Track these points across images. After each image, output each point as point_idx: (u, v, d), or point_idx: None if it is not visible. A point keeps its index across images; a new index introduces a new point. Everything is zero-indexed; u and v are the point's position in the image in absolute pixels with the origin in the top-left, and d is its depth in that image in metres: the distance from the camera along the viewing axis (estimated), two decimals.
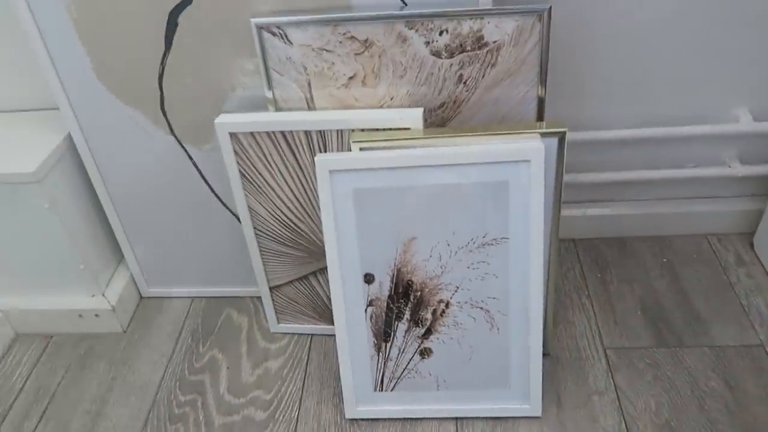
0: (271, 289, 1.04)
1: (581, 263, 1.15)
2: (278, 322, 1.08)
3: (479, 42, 0.81)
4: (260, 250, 1.00)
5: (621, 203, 1.16)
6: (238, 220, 1.05)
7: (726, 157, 1.08)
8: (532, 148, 0.76)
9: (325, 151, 0.87)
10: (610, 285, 1.10)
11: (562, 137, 0.79)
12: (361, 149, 0.81)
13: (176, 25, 0.86)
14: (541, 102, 0.85)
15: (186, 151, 0.99)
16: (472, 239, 0.82)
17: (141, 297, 1.19)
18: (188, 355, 1.07)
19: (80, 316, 1.11)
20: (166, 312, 1.16)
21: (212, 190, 1.03)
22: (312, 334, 1.08)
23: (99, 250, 1.10)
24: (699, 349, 0.98)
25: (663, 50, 0.98)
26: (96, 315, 1.11)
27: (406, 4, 0.81)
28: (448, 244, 0.83)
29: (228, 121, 0.87)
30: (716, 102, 1.03)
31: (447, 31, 0.80)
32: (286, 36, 0.84)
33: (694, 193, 1.14)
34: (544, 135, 0.78)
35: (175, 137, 0.97)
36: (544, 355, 0.89)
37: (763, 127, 1.02)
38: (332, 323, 1.06)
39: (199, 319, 1.13)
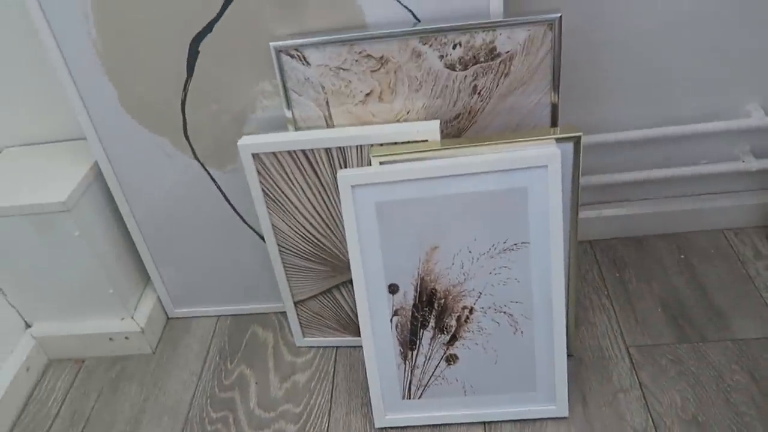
0: (295, 303, 1.06)
1: (599, 264, 1.16)
2: (303, 336, 1.10)
3: (492, 53, 0.83)
4: (284, 266, 1.02)
5: (636, 203, 1.18)
6: (261, 238, 1.08)
7: (739, 152, 1.10)
8: (548, 154, 0.78)
9: (346, 167, 0.90)
10: (629, 284, 1.12)
11: (577, 141, 0.81)
12: (381, 163, 0.84)
13: (197, 52, 0.90)
14: (554, 108, 0.87)
15: (209, 173, 1.02)
16: (493, 245, 0.84)
17: (168, 318, 1.21)
18: (217, 372, 1.09)
19: (111, 339, 1.13)
20: (192, 331, 1.18)
21: (235, 210, 1.06)
22: (337, 347, 1.10)
23: (127, 274, 1.13)
24: (722, 344, 0.99)
25: (673, 50, 1.00)
26: (126, 337, 1.13)
27: (419, 21, 0.84)
28: (470, 251, 0.85)
29: (251, 142, 0.90)
30: (728, 98, 1.05)
31: (460, 44, 0.83)
32: (304, 57, 0.87)
33: (708, 189, 1.16)
34: (559, 140, 0.81)
35: (198, 161, 1.00)
36: (567, 356, 0.91)
37: None
38: (357, 335, 1.08)
39: (226, 337, 1.16)
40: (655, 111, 1.06)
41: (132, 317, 1.13)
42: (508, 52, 0.83)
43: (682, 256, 1.15)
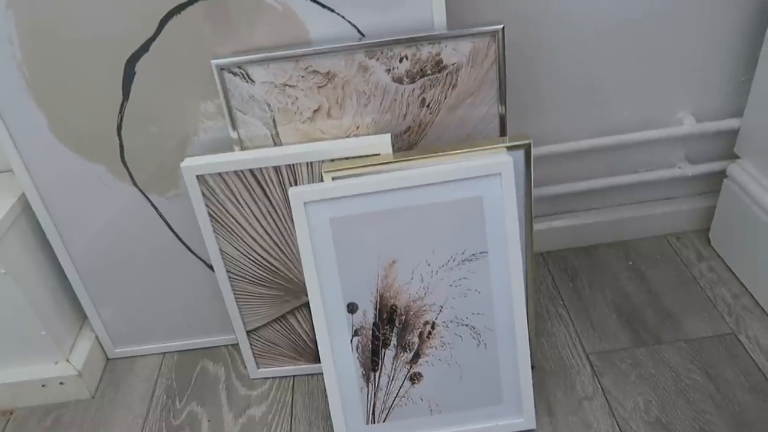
0: (248, 333, 1.01)
1: (552, 275, 1.17)
2: (258, 367, 1.05)
3: (439, 65, 0.84)
4: (235, 294, 0.97)
5: (583, 213, 1.20)
6: (208, 267, 1.02)
7: (675, 159, 1.14)
8: (501, 162, 0.79)
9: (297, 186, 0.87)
10: (582, 292, 1.13)
11: (527, 149, 0.82)
12: (333, 178, 0.81)
13: (134, 73, 0.86)
14: (502, 120, 0.88)
15: (149, 200, 0.96)
16: (451, 257, 0.83)
17: (108, 359, 1.13)
18: (165, 413, 1.02)
19: (43, 385, 1.04)
20: (136, 371, 1.10)
21: (179, 238, 1.00)
22: (294, 376, 1.05)
23: (61, 313, 1.05)
24: (676, 344, 1.01)
25: (610, 63, 1.04)
26: (61, 383, 1.04)
27: (363, 35, 0.83)
28: (429, 264, 0.83)
29: (194, 163, 0.86)
30: (662, 107, 1.09)
31: (407, 58, 0.83)
32: (248, 75, 0.84)
33: (650, 196, 1.19)
34: (510, 148, 0.81)
35: (138, 187, 0.95)
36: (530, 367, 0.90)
37: (705, 127, 1.09)
38: (314, 362, 1.04)
39: (173, 374, 1.09)
40: (595, 122, 1.10)
41: (67, 360, 1.05)
42: (454, 63, 0.84)
43: (630, 263, 1.17)
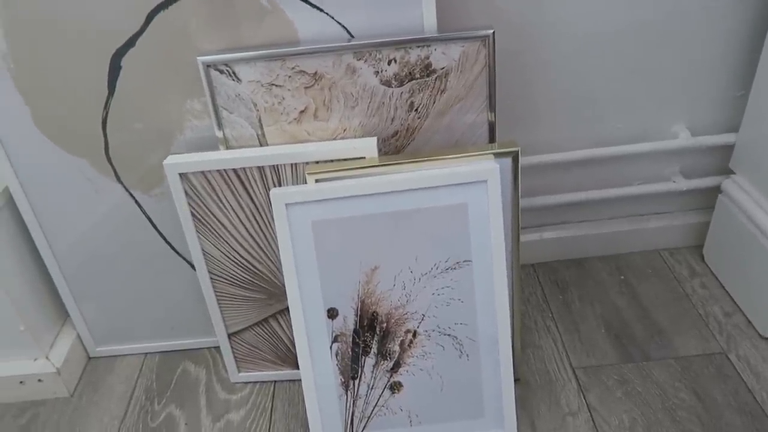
0: (229, 336, 1.00)
1: (542, 286, 1.15)
2: (239, 371, 1.03)
3: (427, 69, 0.82)
4: (216, 296, 0.96)
5: (575, 225, 1.18)
6: (192, 267, 1.01)
7: (669, 173, 1.12)
8: (487, 169, 0.77)
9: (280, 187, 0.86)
10: (572, 305, 1.11)
11: (515, 156, 0.80)
12: (317, 181, 0.80)
13: (119, 68, 0.85)
14: (491, 127, 0.87)
15: (134, 198, 0.95)
16: (435, 264, 0.81)
17: (89, 357, 1.12)
18: (143, 414, 1.00)
19: (21, 382, 1.03)
20: (117, 371, 1.09)
21: (163, 237, 0.99)
22: (275, 381, 1.04)
23: (41, 309, 1.04)
24: (664, 362, 0.98)
25: (606, 74, 1.02)
26: (39, 380, 1.03)
27: (353, 36, 0.82)
28: (411, 271, 0.82)
29: (177, 161, 0.85)
30: (657, 120, 1.07)
31: (395, 60, 0.82)
32: (235, 73, 0.83)
33: (644, 210, 1.18)
34: (497, 155, 0.79)
35: (122, 184, 0.94)
36: (514, 380, 0.88)
37: (700, 141, 1.07)
38: (296, 367, 1.02)
39: (154, 376, 1.07)
40: (588, 133, 1.08)
41: (47, 357, 1.03)
42: (443, 68, 0.83)
43: (622, 277, 1.15)
